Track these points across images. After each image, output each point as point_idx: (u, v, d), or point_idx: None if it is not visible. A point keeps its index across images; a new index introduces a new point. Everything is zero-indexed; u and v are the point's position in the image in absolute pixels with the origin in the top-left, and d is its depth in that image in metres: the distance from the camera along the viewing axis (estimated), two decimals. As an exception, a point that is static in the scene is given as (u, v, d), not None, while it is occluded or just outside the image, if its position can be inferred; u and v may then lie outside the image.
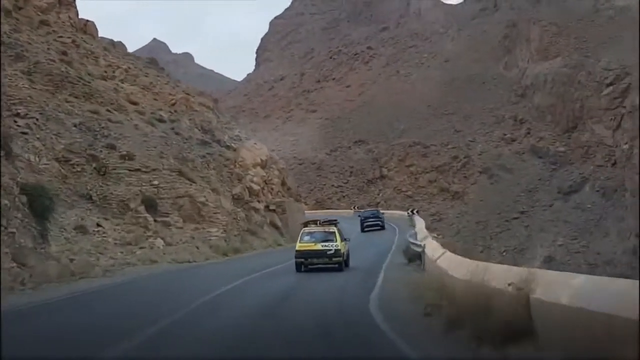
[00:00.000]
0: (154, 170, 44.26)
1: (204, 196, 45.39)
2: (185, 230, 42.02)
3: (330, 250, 28.19)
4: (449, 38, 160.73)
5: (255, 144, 66.04)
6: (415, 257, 31.45)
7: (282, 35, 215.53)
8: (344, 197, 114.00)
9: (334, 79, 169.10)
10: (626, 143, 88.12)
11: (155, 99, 60.02)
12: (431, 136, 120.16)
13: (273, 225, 57.64)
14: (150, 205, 40.66)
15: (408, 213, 78.65)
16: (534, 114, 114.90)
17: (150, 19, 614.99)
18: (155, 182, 43.29)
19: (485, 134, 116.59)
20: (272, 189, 61.97)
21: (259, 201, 56.63)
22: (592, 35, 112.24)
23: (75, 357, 10.92)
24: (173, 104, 62.11)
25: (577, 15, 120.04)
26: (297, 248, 28.91)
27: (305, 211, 76.86)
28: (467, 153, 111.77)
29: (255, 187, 56.56)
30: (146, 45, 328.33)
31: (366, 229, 64.54)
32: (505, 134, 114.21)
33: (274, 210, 58.93)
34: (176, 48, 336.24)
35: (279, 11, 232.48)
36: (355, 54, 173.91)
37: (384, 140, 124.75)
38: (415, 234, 43.81)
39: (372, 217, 67.62)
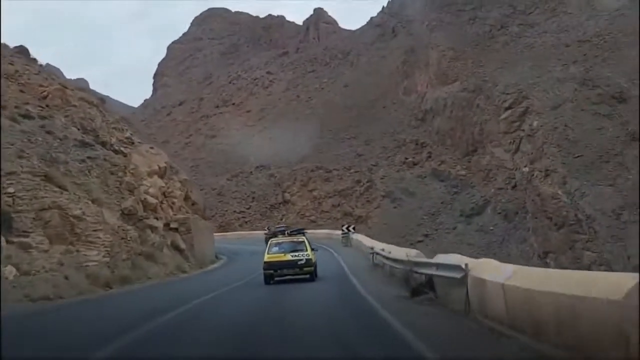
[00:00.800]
0: (9, 174, 32.16)
1: (80, 208, 34.36)
2: (52, 254, 30.49)
3: (301, 260, 28.05)
4: (349, 63, 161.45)
5: (151, 148, 54.96)
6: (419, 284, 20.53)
7: (180, 60, 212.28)
8: (246, 222, 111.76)
9: (233, 103, 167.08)
10: (525, 166, 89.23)
11: (21, 91, 47.15)
12: (333, 160, 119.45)
13: (175, 247, 46.98)
14: (3, 220, 28.88)
15: (343, 230, 74.90)
16: (434, 137, 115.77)
17: (44, 44, 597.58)
18: (10, 190, 31.37)
19: (387, 158, 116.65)
20: (173, 203, 52.13)
21: (156, 218, 45.71)
22: (488, 60, 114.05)
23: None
24: (45, 97, 48.76)
25: (474, 40, 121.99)
26: (265, 259, 28.37)
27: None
28: (370, 177, 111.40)
29: (152, 200, 45.78)
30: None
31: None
32: (407, 158, 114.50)
33: (175, 230, 48.28)
34: (71, 74, 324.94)
35: (177, 36, 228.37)
36: (254, 79, 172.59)
37: (286, 165, 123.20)
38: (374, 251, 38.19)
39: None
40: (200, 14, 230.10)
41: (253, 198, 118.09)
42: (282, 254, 28.52)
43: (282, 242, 29.94)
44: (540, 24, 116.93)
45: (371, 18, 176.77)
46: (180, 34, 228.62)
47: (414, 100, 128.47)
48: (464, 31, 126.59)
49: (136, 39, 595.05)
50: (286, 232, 32.60)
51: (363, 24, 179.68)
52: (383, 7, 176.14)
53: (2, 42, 54.60)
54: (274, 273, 28.10)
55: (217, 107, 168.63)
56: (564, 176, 77.46)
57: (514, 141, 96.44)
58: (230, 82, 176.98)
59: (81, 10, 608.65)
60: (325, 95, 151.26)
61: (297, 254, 28.33)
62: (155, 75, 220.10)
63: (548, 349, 9.57)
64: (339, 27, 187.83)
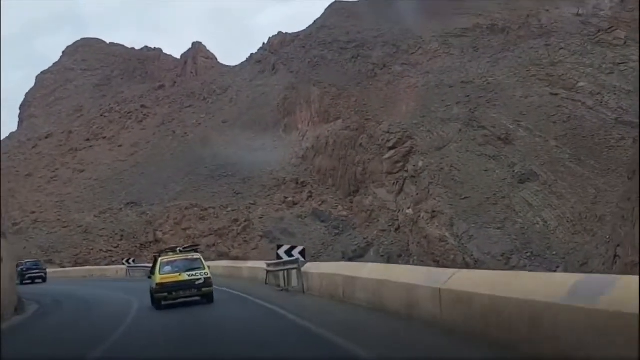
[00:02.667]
0: None
1: None
2: None
3: (200, 279, 25.59)
4: (228, 99, 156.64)
5: None
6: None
7: (50, 90, 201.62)
8: (113, 262, 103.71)
9: (104, 137, 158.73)
10: (409, 207, 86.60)
11: None
12: (209, 198, 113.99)
13: None
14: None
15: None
16: (315, 177, 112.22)
17: None
18: None
19: (266, 197, 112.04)
20: None
21: None
22: (371, 99, 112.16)
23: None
24: None
25: (356, 79, 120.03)
26: (158, 281, 25.45)
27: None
28: (248, 216, 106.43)
29: None
30: None
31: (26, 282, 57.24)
32: (286, 197, 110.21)
33: None
34: None
35: (47, 66, 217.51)
36: (128, 113, 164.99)
37: (159, 202, 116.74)
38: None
39: (34, 268, 62.19)
40: (73, 44, 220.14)
41: (122, 236, 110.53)
42: (177, 274, 25.65)
43: (175, 260, 26.80)
44: (423, 64, 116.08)
45: (251, 54, 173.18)
46: (51, 64, 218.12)
47: (295, 138, 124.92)
48: (346, 69, 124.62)
49: (4, 68, 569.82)
50: (178, 249, 28.93)
51: (243, 60, 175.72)
52: (263, 44, 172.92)
53: None
54: (168, 296, 25.44)
55: (88, 140, 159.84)
56: (451, 218, 75.10)
57: (397, 182, 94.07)
58: (101, 115, 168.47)
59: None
60: (202, 131, 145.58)
61: (194, 272, 25.72)
62: (22, 106, 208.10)
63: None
64: (218, 62, 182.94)
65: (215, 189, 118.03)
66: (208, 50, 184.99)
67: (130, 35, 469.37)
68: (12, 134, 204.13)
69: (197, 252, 28.58)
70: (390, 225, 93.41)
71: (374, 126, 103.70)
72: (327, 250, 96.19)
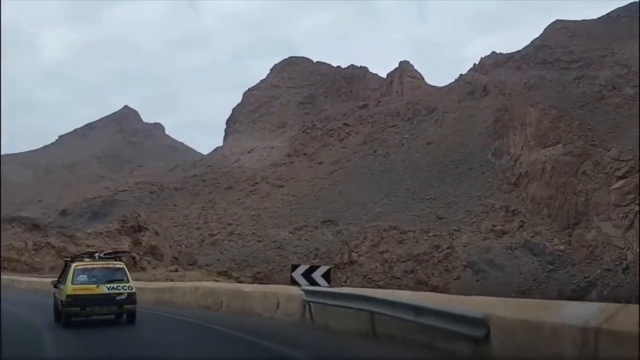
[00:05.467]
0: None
1: None
2: None
3: (122, 294, 20.41)
4: (433, 120, 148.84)
5: None
6: None
7: (255, 107, 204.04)
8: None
9: (305, 154, 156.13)
10: (641, 245, 74.27)
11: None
12: (409, 221, 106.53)
13: None
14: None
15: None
16: (528, 205, 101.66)
17: (124, 87, 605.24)
18: None
19: (472, 224, 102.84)
20: None
21: None
22: (598, 123, 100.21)
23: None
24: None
25: (580, 101, 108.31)
26: (68, 292, 20.04)
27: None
28: (451, 243, 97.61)
29: None
30: (117, 112, 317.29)
31: None
32: (494, 226, 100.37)
33: None
34: (148, 117, 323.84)
35: (254, 83, 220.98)
36: (330, 130, 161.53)
37: (356, 222, 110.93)
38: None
39: None
40: (280, 62, 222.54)
41: (316, 255, 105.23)
42: (95, 285, 20.36)
43: (93, 268, 21.22)
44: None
45: (460, 75, 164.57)
46: (259, 80, 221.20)
47: (506, 163, 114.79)
48: (568, 90, 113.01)
49: (217, 87, 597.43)
50: (97, 255, 22.56)
51: (451, 81, 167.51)
52: (474, 64, 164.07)
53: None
54: (81, 311, 20.37)
55: (288, 156, 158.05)
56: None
57: (626, 215, 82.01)
58: (304, 132, 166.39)
59: (168, 59, 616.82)
60: (405, 152, 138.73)
61: (115, 285, 20.50)
62: (228, 121, 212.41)
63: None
64: (425, 82, 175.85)
65: (416, 212, 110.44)
66: (415, 70, 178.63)
67: (337, 55, 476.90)
68: (217, 148, 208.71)
69: (120, 260, 22.57)
70: (616, 265, 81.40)
71: (601, 152, 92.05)
72: (539, 287, 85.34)
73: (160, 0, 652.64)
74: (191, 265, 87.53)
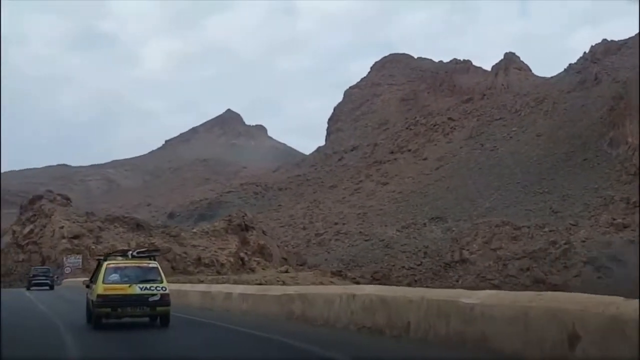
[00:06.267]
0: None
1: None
2: None
3: (154, 295, 18.94)
4: (542, 112, 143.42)
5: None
6: None
7: (356, 105, 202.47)
8: (415, 281, 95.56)
9: (409, 150, 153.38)
10: None
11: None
12: (522, 216, 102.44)
13: None
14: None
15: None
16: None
17: (226, 90, 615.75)
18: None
19: (590, 218, 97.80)
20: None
21: None
22: None
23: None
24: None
25: None
26: (99, 292, 18.72)
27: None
28: (568, 238, 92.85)
29: None
30: (220, 115, 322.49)
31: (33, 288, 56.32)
32: (614, 219, 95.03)
33: None
34: (250, 120, 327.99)
35: (355, 81, 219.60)
36: (434, 125, 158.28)
37: (466, 218, 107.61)
38: None
39: (41, 276, 60.11)
40: (381, 59, 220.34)
41: (425, 253, 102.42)
42: (127, 285, 18.96)
43: (126, 267, 19.86)
44: None
45: (570, 64, 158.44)
46: (359, 79, 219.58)
47: (623, 153, 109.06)
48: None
49: (319, 88, 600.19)
50: (130, 254, 21.14)
51: (559, 71, 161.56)
52: (584, 53, 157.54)
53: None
54: (112, 312, 18.96)
55: (392, 153, 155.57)
56: None
57: None
58: (407, 128, 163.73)
59: (268, 63, 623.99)
60: (513, 145, 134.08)
61: (148, 285, 19.06)
62: (330, 120, 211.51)
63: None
64: (532, 74, 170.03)
65: (529, 206, 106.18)
66: (521, 61, 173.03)
67: (438, 49, 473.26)
68: (320, 147, 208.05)
69: (154, 259, 21.10)
70: None
71: None
72: (668, 284, 79.90)
73: (257, 6, 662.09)
74: (301, 265, 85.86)
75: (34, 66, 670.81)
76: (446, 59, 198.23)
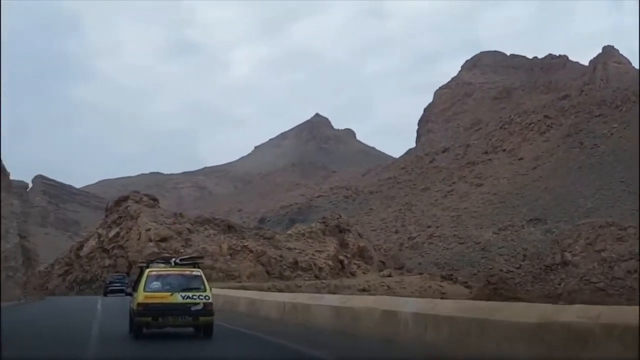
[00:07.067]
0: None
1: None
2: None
3: (197, 305, 17.72)
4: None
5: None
6: None
7: (447, 105, 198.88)
8: (516, 284, 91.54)
9: (504, 150, 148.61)
10: None
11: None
12: (628, 216, 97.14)
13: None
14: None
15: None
16: None
17: (314, 94, 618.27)
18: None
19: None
20: None
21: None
22: None
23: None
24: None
25: None
26: (140, 300, 17.73)
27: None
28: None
29: None
30: (308, 120, 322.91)
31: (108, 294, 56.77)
32: None
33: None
34: (338, 124, 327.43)
35: (445, 81, 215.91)
36: (529, 124, 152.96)
37: (566, 219, 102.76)
38: None
39: (116, 282, 59.90)
40: (472, 58, 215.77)
41: (524, 256, 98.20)
42: (168, 293, 17.96)
43: (168, 275, 18.89)
44: None
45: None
46: (449, 79, 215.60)
47: None
48: None
49: (405, 93, 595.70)
50: (172, 261, 20.17)
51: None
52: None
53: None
54: (152, 322, 17.86)
55: (486, 153, 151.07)
56: None
57: None
58: (501, 127, 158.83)
59: (355, 66, 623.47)
60: (615, 142, 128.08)
61: (191, 294, 18.01)
62: (420, 121, 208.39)
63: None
64: (632, 67, 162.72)
65: (634, 206, 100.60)
66: (620, 55, 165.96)
67: (531, 46, 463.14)
68: (410, 149, 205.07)
69: (198, 267, 19.95)
70: None
71: None
72: None
73: (344, 9, 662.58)
74: (399, 269, 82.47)
75: (126, 76, 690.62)
76: (541, 55, 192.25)
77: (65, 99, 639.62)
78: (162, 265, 19.88)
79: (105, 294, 57.21)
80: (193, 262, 20.56)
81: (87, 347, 15.50)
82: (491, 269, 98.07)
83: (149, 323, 18.03)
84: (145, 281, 18.42)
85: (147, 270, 19.18)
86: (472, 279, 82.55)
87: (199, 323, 18.33)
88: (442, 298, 58.45)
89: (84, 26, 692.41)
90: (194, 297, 18.07)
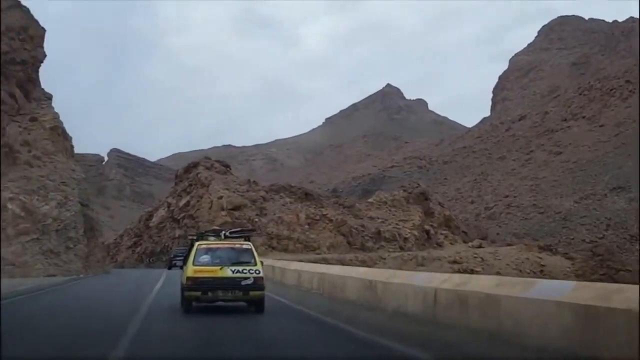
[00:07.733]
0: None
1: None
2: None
3: (247, 279, 17.07)
4: None
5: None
6: None
7: (523, 72, 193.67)
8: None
9: (584, 117, 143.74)
10: None
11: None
12: None
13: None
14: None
15: None
16: None
17: (386, 65, 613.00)
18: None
19: None
20: None
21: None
22: None
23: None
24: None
25: None
26: (189, 274, 17.18)
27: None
28: None
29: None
30: (380, 90, 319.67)
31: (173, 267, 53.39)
32: None
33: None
34: (410, 94, 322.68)
35: (520, 47, 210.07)
36: (610, 90, 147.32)
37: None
38: None
39: (180, 256, 53.44)
40: (549, 23, 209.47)
41: (608, 225, 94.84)
42: (218, 267, 17.39)
43: (218, 248, 18.28)
44: None
45: None
46: (525, 45, 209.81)
47: None
48: None
49: (478, 62, 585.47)
50: (223, 234, 19.54)
51: None
52: None
53: None
54: (202, 296, 17.35)
55: (564, 120, 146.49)
56: None
57: None
58: (580, 94, 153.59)
59: (428, 36, 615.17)
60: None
61: (241, 268, 17.37)
62: (495, 89, 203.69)
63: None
64: None
65: None
66: None
67: (611, 9, 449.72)
68: (484, 118, 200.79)
69: (249, 240, 19.42)
70: None
71: None
72: None
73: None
74: (482, 239, 79.62)
75: (196, 54, 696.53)
76: (621, 19, 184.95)
77: (143, 77, 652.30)
78: (213, 238, 19.23)
79: (169, 267, 56.22)
80: (243, 235, 19.99)
81: (129, 323, 14.54)
82: (572, 239, 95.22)
83: (198, 298, 17.58)
84: (195, 255, 17.91)
85: (197, 243, 18.55)
86: (570, 250, 78.75)
87: (249, 297, 17.77)
88: (541, 271, 55.91)
89: (155, 5, 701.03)
90: (244, 271, 17.53)
